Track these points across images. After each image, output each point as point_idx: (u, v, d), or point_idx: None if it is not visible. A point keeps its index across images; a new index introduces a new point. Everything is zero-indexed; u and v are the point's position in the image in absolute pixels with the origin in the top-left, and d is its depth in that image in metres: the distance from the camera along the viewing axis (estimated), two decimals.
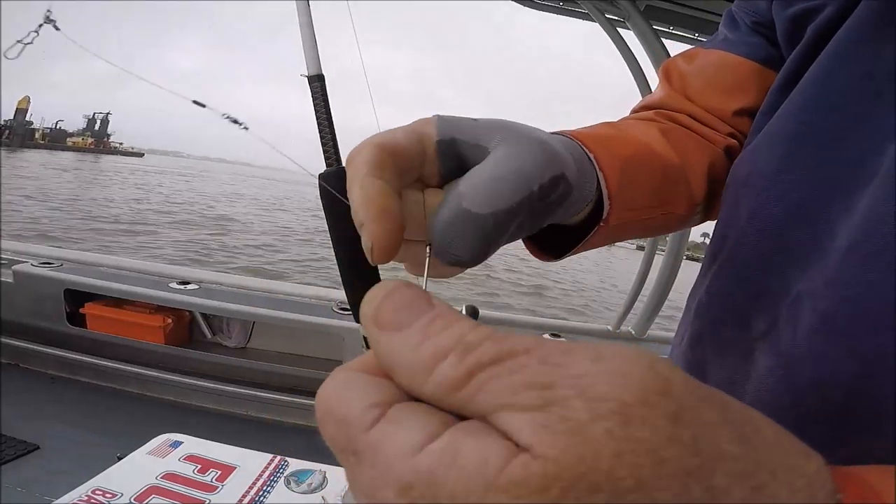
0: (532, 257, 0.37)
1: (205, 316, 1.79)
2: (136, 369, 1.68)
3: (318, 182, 0.26)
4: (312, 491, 0.61)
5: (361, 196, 0.21)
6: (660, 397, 0.12)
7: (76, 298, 1.71)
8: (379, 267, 0.24)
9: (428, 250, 0.20)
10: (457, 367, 0.13)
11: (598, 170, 0.31)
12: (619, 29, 1.62)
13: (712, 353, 0.34)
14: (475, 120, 0.26)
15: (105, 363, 1.69)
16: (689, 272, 0.43)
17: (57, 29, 0.40)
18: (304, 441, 1.47)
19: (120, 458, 0.62)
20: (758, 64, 0.39)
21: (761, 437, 0.12)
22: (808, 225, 0.28)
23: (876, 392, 0.23)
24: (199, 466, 0.62)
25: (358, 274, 0.25)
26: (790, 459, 0.12)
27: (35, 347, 1.71)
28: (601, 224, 0.32)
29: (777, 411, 0.27)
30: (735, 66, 0.40)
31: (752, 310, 0.31)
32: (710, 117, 0.41)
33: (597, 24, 1.63)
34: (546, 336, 1.79)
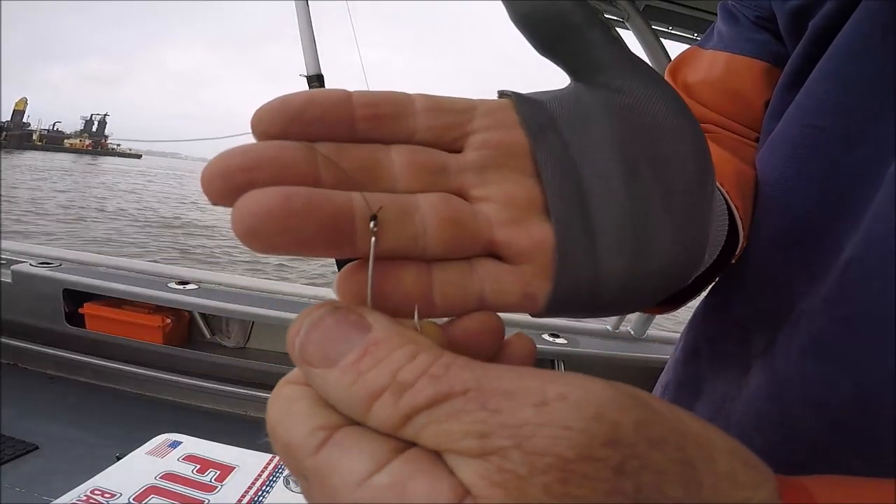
0: None
1: (204, 316, 1.79)
2: (135, 369, 1.68)
3: None
4: None
5: None
6: (604, 448, 0.11)
7: (75, 298, 1.71)
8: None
9: (372, 226, 0.14)
10: (392, 410, 0.12)
11: (731, 203, 0.28)
12: (618, 29, 1.62)
13: (709, 368, 0.33)
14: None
15: (104, 363, 1.68)
16: None
17: None
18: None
19: (119, 458, 0.62)
20: (768, 64, 0.36)
21: (712, 470, 0.12)
22: (815, 239, 0.27)
23: (868, 415, 0.22)
24: (199, 466, 0.62)
25: None
26: (739, 492, 0.12)
27: (34, 347, 1.71)
28: (733, 261, 0.28)
29: (764, 430, 0.27)
30: (746, 70, 0.36)
31: (752, 327, 0.29)
32: (736, 125, 0.37)
33: None
34: (545, 336, 1.79)
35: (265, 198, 0.13)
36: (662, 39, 1.57)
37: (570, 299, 0.17)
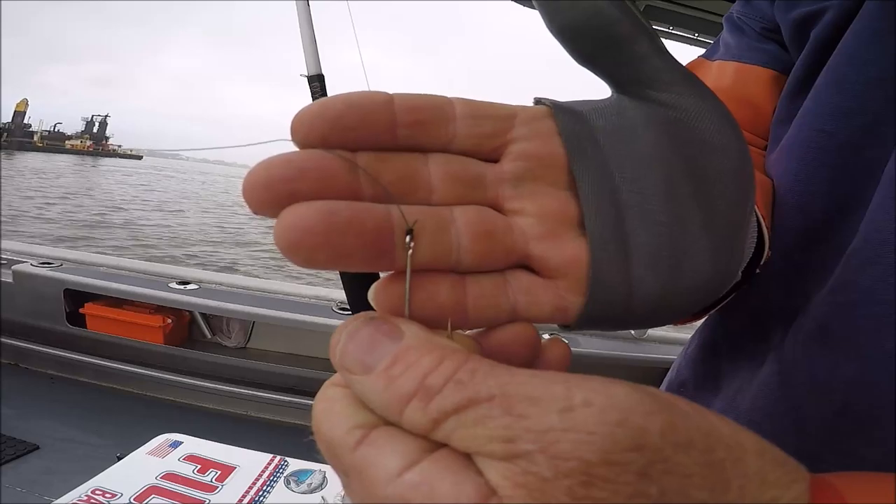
0: None
1: (204, 316, 1.79)
2: (136, 369, 1.68)
3: None
4: (312, 491, 0.61)
5: None
6: (628, 454, 0.11)
7: (76, 298, 1.71)
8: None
9: (408, 240, 0.15)
10: (422, 415, 0.12)
11: (759, 216, 0.28)
12: None
13: (727, 364, 0.34)
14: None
15: (105, 363, 1.68)
16: None
17: None
18: (304, 441, 1.47)
19: (120, 458, 0.62)
20: (776, 72, 0.36)
21: (741, 471, 0.12)
22: (827, 238, 0.27)
23: (872, 398, 0.23)
24: (199, 466, 0.62)
25: (357, 274, 0.25)
26: (768, 491, 0.12)
27: (35, 347, 1.71)
28: (757, 271, 0.28)
29: (773, 417, 0.27)
30: (755, 78, 0.37)
31: (769, 323, 0.30)
32: (748, 135, 0.36)
33: None
34: (545, 336, 1.79)
35: (307, 213, 0.13)
36: (663, 39, 1.57)
37: (601, 315, 0.17)
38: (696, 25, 1.58)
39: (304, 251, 0.13)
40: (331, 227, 0.13)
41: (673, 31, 1.62)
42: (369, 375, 0.13)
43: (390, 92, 0.16)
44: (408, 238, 0.15)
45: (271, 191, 0.14)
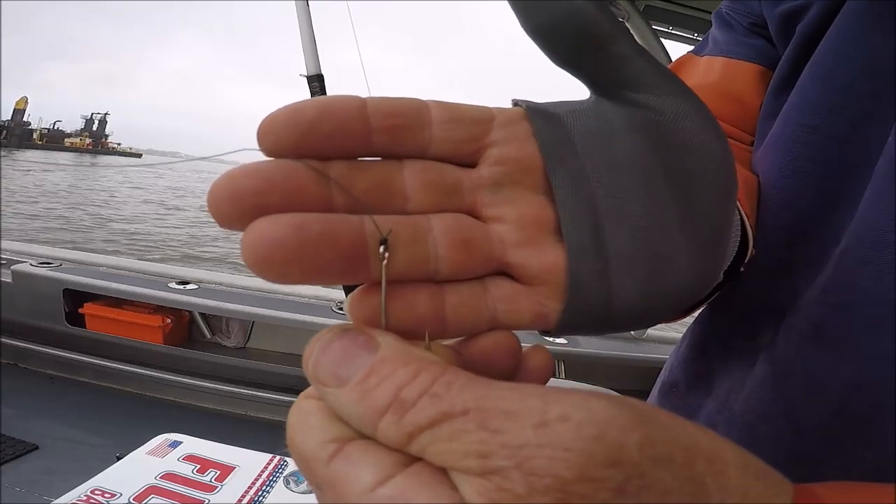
0: None
1: (204, 316, 1.78)
2: (136, 369, 1.68)
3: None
4: (311, 491, 0.61)
5: None
6: (605, 469, 0.11)
7: (75, 298, 1.71)
8: None
9: (382, 250, 0.14)
10: (396, 429, 0.12)
11: (742, 213, 0.28)
12: None
13: (717, 363, 0.34)
14: None
15: (104, 363, 1.68)
16: None
17: None
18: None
19: (119, 458, 0.62)
20: (764, 67, 0.36)
21: (722, 485, 0.12)
22: (815, 234, 0.27)
23: (870, 399, 0.23)
24: (199, 466, 0.62)
25: None
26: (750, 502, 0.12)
27: (34, 347, 1.70)
28: (742, 269, 0.28)
29: (768, 418, 0.27)
30: (743, 74, 0.36)
31: (758, 321, 0.30)
32: (734, 130, 0.37)
33: None
34: (545, 336, 1.78)
35: (276, 227, 0.13)
36: (662, 39, 1.57)
37: (581, 321, 0.17)
38: (696, 25, 1.59)
39: (276, 266, 0.13)
40: (303, 240, 0.13)
41: (673, 31, 1.63)
42: (343, 388, 0.13)
43: (363, 96, 0.15)
44: (382, 248, 0.14)
45: (238, 204, 0.13)
